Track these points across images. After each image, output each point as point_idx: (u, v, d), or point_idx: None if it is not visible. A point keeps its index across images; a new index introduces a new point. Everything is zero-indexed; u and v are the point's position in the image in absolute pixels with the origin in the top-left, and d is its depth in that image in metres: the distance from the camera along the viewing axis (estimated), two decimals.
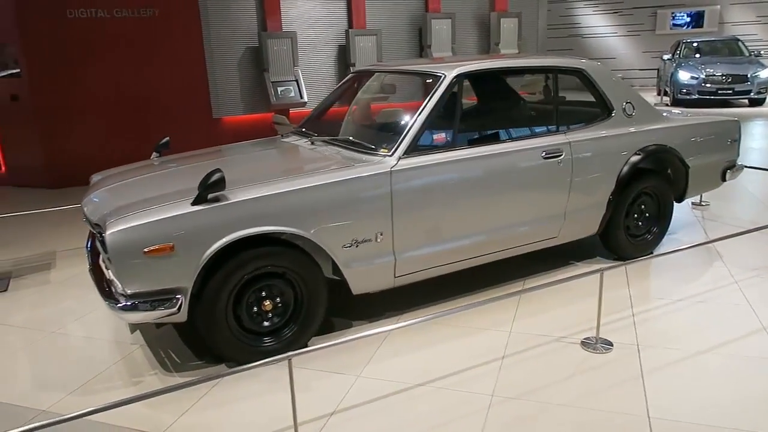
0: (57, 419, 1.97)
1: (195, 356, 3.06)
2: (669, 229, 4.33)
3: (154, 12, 7.26)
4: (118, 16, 7.08)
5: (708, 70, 12.29)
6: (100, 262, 3.13)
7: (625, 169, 3.83)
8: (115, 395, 2.72)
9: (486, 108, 4.31)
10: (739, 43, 13.42)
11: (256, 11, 7.96)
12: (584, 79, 3.87)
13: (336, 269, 3.06)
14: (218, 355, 2.91)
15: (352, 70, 4.70)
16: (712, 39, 13.93)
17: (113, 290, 2.75)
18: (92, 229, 3.04)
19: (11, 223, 5.49)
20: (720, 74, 12.17)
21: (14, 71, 6.98)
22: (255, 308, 2.90)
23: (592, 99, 3.95)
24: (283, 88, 7.95)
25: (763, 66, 12.21)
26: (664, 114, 4.26)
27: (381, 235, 3.07)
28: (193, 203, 2.67)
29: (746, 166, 5.23)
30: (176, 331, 3.31)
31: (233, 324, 2.84)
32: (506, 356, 2.96)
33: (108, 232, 2.57)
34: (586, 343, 3.03)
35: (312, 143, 3.61)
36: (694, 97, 12.27)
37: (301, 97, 8.00)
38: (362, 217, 3.00)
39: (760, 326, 3.16)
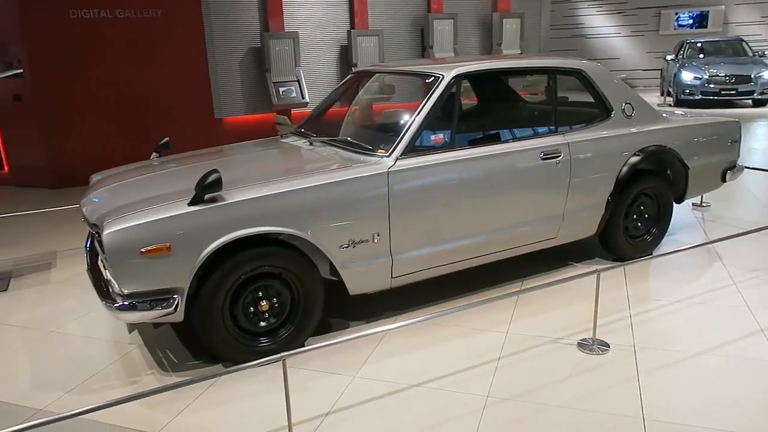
0: (51, 418, 1.98)
1: (192, 356, 3.07)
2: (669, 230, 4.33)
3: (156, 12, 7.28)
4: (120, 17, 7.11)
5: (711, 70, 12.24)
6: (99, 262, 3.14)
7: (624, 169, 3.82)
8: (112, 394, 2.73)
9: (484, 109, 4.31)
10: (743, 44, 13.37)
11: (258, 12, 7.98)
12: (583, 80, 3.86)
13: (333, 270, 3.06)
14: (215, 355, 2.92)
15: (353, 71, 4.70)
16: (716, 39, 13.89)
17: (111, 290, 2.76)
18: (91, 229, 3.06)
19: (13, 223, 5.52)
20: (723, 75, 12.12)
21: (17, 71, 7.01)
22: (252, 308, 2.91)
23: (591, 100, 3.94)
24: (284, 88, 7.96)
25: (767, 66, 12.16)
26: (664, 115, 4.24)
27: (378, 235, 3.07)
28: (190, 204, 2.68)
29: (746, 167, 5.22)
30: (174, 331, 3.33)
31: (230, 324, 2.85)
32: (503, 357, 2.96)
33: (105, 232, 2.59)
34: (582, 344, 3.03)
35: (310, 144, 3.62)
36: (697, 97, 12.23)
37: (303, 98, 8.01)
38: (359, 217, 3.01)
39: (757, 328, 3.15)
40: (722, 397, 2.57)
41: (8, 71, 7.11)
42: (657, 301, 3.52)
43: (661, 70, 14.83)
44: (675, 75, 12.74)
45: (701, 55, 13.21)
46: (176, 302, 2.68)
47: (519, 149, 3.48)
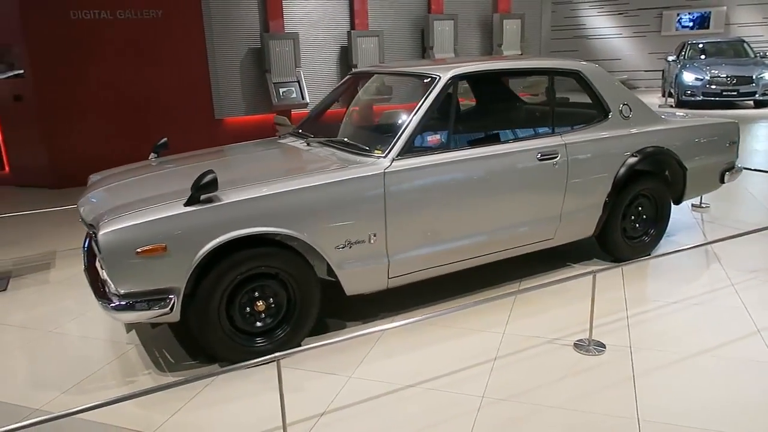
0: (45, 417, 1.99)
1: (189, 356, 3.08)
2: (668, 230, 4.32)
3: (156, 13, 7.30)
4: (120, 18, 7.13)
5: (713, 71, 12.22)
6: (97, 262, 3.15)
7: (622, 170, 3.82)
8: (109, 394, 2.74)
9: (481, 109, 4.32)
10: (745, 45, 13.34)
11: (259, 12, 8.00)
12: (581, 81, 3.86)
13: (330, 270, 3.07)
14: (211, 355, 2.93)
15: (351, 72, 4.70)
16: (718, 40, 13.86)
17: (107, 290, 2.77)
18: (88, 230, 3.06)
19: (13, 223, 5.53)
20: (725, 76, 12.09)
21: (18, 72, 7.03)
22: (248, 308, 2.91)
23: (588, 100, 3.94)
24: (284, 89, 7.97)
25: None
26: (663, 116, 4.24)
27: (374, 236, 3.07)
28: (186, 204, 2.69)
29: (745, 168, 5.21)
30: (171, 331, 3.33)
31: (226, 324, 2.85)
32: (498, 358, 2.96)
33: (101, 233, 2.59)
34: (578, 345, 3.02)
35: (308, 144, 3.62)
36: (698, 98, 12.20)
37: (303, 98, 8.03)
38: (355, 218, 3.01)
39: (754, 329, 3.15)
40: (718, 398, 2.57)
41: (9, 72, 7.13)
42: (654, 302, 3.52)
43: (663, 71, 14.82)
44: (676, 76, 12.72)
45: (703, 56, 13.19)
46: (172, 302, 2.69)
47: (516, 150, 3.48)
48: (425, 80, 3.44)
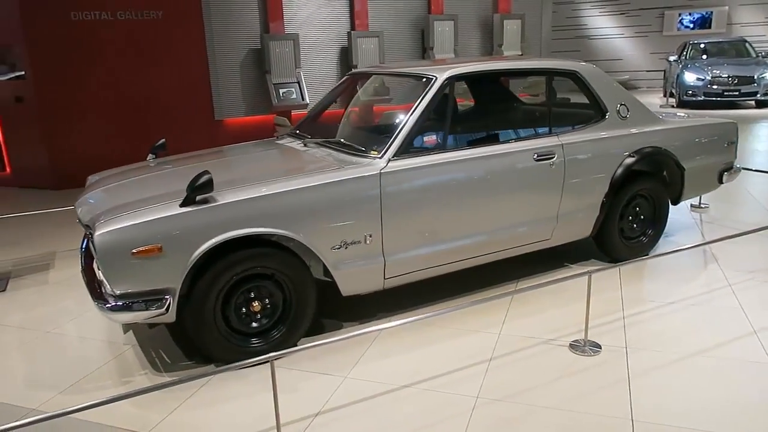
0: (39, 417, 2.00)
1: (185, 357, 3.09)
2: (667, 231, 4.32)
3: (156, 14, 7.32)
4: (121, 18, 7.14)
5: (714, 71, 12.20)
6: (94, 263, 3.16)
7: (619, 171, 3.82)
8: (105, 394, 2.73)
9: (478, 110, 4.32)
10: (746, 45, 13.32)
11: (259, 13, 8.01)
12: (578, 81, 3.86)
13: (326, 271, 3.07)
14: (207, 355, 2.93)
15: (349, 72, 4.71)
16: (719, 40, 13.84)
17: (103, 291, 2.78)
18: (85, 231, 3.08)
19: (14, 224, 5.56)
20: (726, 76, 12.08)
21: (19, 73, 7.06)
22: (244, 309, 2.92)
23: (586, 101, 3.95)
24: (284, 89, 7.98)
25: None
26: (662, 116, 4.24)
27: (370, 236, 3.08)
28: (182, 205, 2.70)
29: (744, 168, 5.20)
30: (168, 332, 3.34)
31: (222, 324, 2.86)
32: (494, 358, 2.96)
33: (97, 233, 2.61)
34: (574, 346, 3.03)
35: (305, 145, 3.63)
36: (699, 98, 12.19)
37: (303, 99, 8.03)
38: (351, 218, 3.02)
39: (751, 330, 3.14)
40: (713, 398, 2.57)
41: (10, 73, 7.15)
42: (651, 303, 3.51)
43: (664, 71, 14.80)
44: (678, 76, 12.70)
45: (704, 56, 13.17)
46: (168, 303, 2.70)
47: (512, 150, 3.48)
48: (422, 81, 3.45)
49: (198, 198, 2.71)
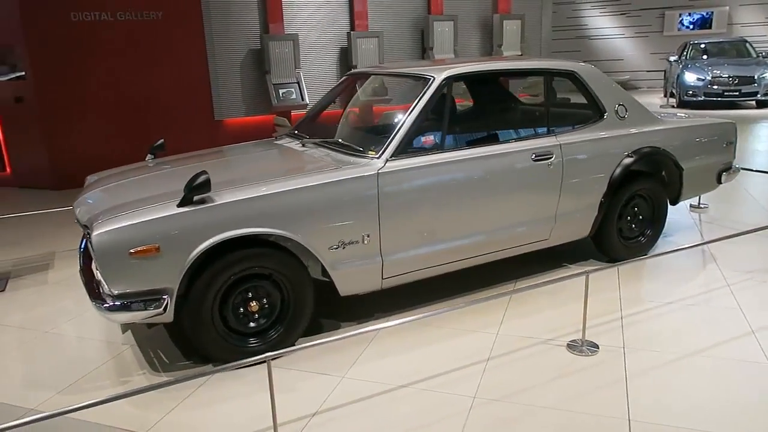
0: (37, 416, 2.00)
1: (183, 356, 3.09)
2: (666, 231, 4.32)
3: (156, 14, 7.33)
4: (121, 19, 7.16)
5: (714, 71, 12.19)
6: (93, 263, 3.17)
7: (618, 171, 3.82)
8: (103, 394, 2.75)
9: (476, 110, 4.33)
10: (747, 45, 13.31)
11: (259, 13, 8.02)
12: (576, 82, 3.86)
13: (324, 271, 3.07)
14: (205, 355, 2.94)
15: (347, 73, 4.72)
16: (719, 40, 13.83)
17: (101, 291, 2.78)
18: (83, 231, 3.08)
19: (14, 224, 5.57)
20: (726, 76, 12.07)
21: (19, 74, 7.07)
22: (241, 309, 2.93)
23: (584, 101, 3.95)
24: (284, 90, 7.99)
25: None
26: (661, 116, 4.24)
27: (368, 236, 3.08)
28: (179, 205, 2.70)
29: (743, 168, 5.20)
30: (167, 332, 3.35)
31: (219, 324, 2.87)
32: (491, 358, 2.97)
33: (94, 233, 2.61)
34: (572, 346, 3.03)
35: (303, 145, 3.63)
36: (700, 98, 12.18)
37: (303, 99, 8.04)
38: (349, 218, 3.02)
39: (749, 330, 3.14)
40: (710, 398, 2.57)
41: (11, 73, 7.17)
42: (649, 303, 3.51)
43: (665, 71, 14.79)
44: (678, 76, 12.70)
45: (704, 56, 13.16)
46: (165, 303, 2.70)
47: (510, 151, 3.48)
48: (420, 81, 3.45)
49: (195, 198, 2.72)
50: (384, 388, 2.74)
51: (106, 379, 2.93)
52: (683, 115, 4.66)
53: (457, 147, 3.42)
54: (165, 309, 2.71)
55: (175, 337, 3.28)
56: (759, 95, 11.90)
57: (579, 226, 3.86)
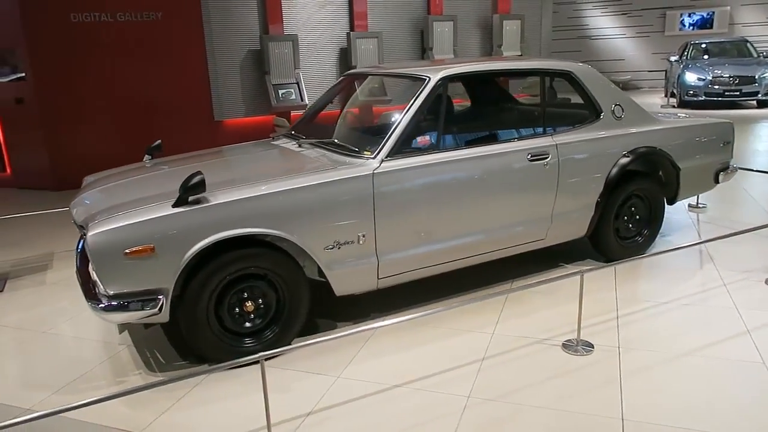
0: (29, 416, 2.01)
1: (179, 357, 3.10)
2: (663, 231, 4.32)
3: (156, 15, 7.35)
4: (120, 20, 7.18)
5: (715, 71, 12.17)
6: (90, 264, 3.18)
7: (614, 171, 3.82)
8: (98, 394, 2.74)
9: (472, 110, 4.33)
10: (748, 45, 13.29)
11: (258, 14, 8.03)
12: (572, 82, 3.87)
13: (320, 271, 3.08)
14: (200, 355, 2.95)
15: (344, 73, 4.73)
16: (720, 40, 13.81)
17: (97, 291, 2.79)
18: (79, 231, 3.09)
19: (14, 225, 5.58)
20: (727, 76, 12.04)
21: (20, 75, 7.09)
22: (237, 309, 2.93)
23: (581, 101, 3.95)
24: (284, 90, 8.00)
25: None
26: (659, 115, 4.24)
27: (363, 237, 3.09)
28: (174, 205, 2.71)
29: (741, 168, 5.20)
30: (163, 332, 3.36)
31: (215, 324, 2.87)
32: (487, 358, 2.97)
33: (90, 234, 2.62)
34: (567, 346, 3.03)
35: (299, 146, 3.64)
36: (700, 98, 12.16)
37: (302, 100, 8.05)
38: (344, 219, 3.03)
39: (744, 329, 3.14)
40: (705, 398, 2.57)
41: (11, 75, 7.19)
42: (646, 302, 3.51)
43: (666, 71, 14.77)
44: (679, 76, 12.68)
45: (705, 56, 13.14)
46: (161, 303, 2.71)
47: (506, 151, 3.49)
48: (415, 81, 3.45)
49: (190, 198, 2.72)
50: (379, 387, 2.75)
51: (102, 379, 2.94)
52: (684, 115, 4.66)
53: (452, 147, 3.42)
54: (160, 309, 2.71)
55: (171, 338, 3.29)
56: (760, 95, 11.87)
57: (575, 226, 3.86)
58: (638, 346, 3.01)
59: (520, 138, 3.64)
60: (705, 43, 13.61)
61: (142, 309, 2.69)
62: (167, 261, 2.68)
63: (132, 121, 7.34)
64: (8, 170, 7.52)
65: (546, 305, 3.51)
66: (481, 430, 2.41)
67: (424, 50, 9.29)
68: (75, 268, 3.26)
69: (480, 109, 4.31)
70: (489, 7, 9.91)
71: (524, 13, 10.09)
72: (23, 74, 7.03)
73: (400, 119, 3.24)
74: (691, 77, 12.36)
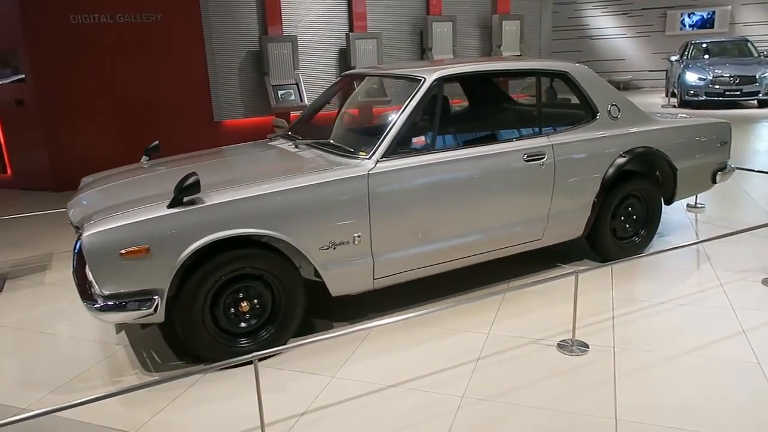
0: (23, 416, 2.02)
1: (176, 357, 3.11)
2: (661, 230, 4.31)
3: (156, 17, 7.37)
4: (120, 22, 7.19)
5: (716, 71, 12.15)
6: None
7: (610, 171, 3.82)
8: (94, 394, 2.75)
9: (468, 111, 4.33)
10: (749, 44, 13.27)
11: (257, 15, 8.04)
12: (568, 82, 3.87)
13: (317, 271, 3.09)
14: (196, 355, 2.96)
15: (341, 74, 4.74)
16: (721, 40, 13.79)
17: (92, 291, 2.80)
18: (75, 232, 3.10)
19: (14, 225, 5.60)
20: (728, 75, 12.03)
21: (20, 76, 7.11)
22: (232, 309, 2.94)
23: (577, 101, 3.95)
24: (283, 91, 8.02)
25: None
26: (658, 116, 4.24)
27: (359, 237, 3.09)
28: (169, 206, 2.72)
29: (738, 168, 5.20)
30: (160, 332, 3.37)
31: (210, 325, 2.88)
32: (482, 358, 2.97)
33: (85, 234, 2.64)
34: (562, 346, 3.03)
35: (296, 146, 3.65)
36: (701, 98, 12.14)
37: (302, 101, 8.06)
38: (340, 219, 3.03)
39: (740, 329, 3.14)
40: (697, 397, 2.57)
41: (11, 76, 7.21)
42: (642, 302, 3.52)
43: (666, 71, 14.76)
44: (679, 76, 12.67)
45: (706, 56, 13.12)
46: (156, 303, 2.72)
47: (502, 151, 3.49)
48: (411, 82, 3.46)
49: (185, 199, 2.73)
50: (373, 387, 2.75)
51: (98, 379, 2.96)
52: (684, 115, 4.66)
53: (448, 147, 3.43)
54: (156, 309, 2.72)
55: (168, 338, 3.30)
56: (760, 95, 11.86)
57: (572, 227, 3.86)
58: (633, 346, 3.02)
59: (516, 138, 3.64)
60: (706, 42, 13.59)
61: (138, 309, 2.70)
62: (162, 261, 2.69)
63: (132, 122, 7.36)
64: (9, 171, 7.54)
65: (542, 305, 3.51)
66: (474, 430, 2.42)
67: (423, 51, 9.30)
68: (72, 269, 3.27)
69: (476, 110, 4.32)
70: (488, 7, 9.92)
71: (524, 14, 10.09)
72: (23, 76, 7.06)
73: (396, 120, 3.25)
74: (691, 77, 12.34)
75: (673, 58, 13.77)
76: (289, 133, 3.99)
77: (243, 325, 2.97)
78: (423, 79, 3.38)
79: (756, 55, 12.88)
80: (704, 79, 12.16)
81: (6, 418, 2.54)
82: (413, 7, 9.17)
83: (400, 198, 3.18)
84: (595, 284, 3.75)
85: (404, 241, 3.24)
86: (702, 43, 13.60)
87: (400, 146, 3.24)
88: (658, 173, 4.18)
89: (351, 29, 8.68)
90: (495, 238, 3.56)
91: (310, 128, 4.07)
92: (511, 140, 3.61)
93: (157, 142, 3.93)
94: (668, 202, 4.27)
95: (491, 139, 3.62)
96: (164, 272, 2.71)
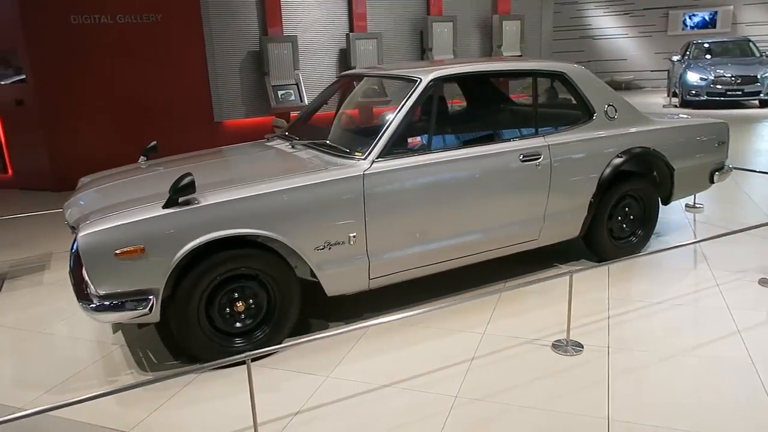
0: (16, 415, 2.03)
1: (172, 356, 3.12)
2: (659, 230, 4.31)
3: (156, 17, 7.38)
4: (120, 22, 7.21)
5: (717, 71, 12.14)
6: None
7: (607, 171, 3.82)
8: (89, 393, 2.77)
9: (464, 111, 4.34)
10: (750, 44, 13.24)
11: (258, 15, 8.05)
12: (565, 83, 3.87)
13: (312, 271, 3.09)
14: (191, 355, 2.97)
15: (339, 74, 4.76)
16: (723, 40, 13.77)
17: (88, 291, 2.81)
18: (72, 232, 3.12)
19: (13, 225, 5.62)
20: (729, 75, 12.01)
21: (20, 77, 7.14)
22: (228, 309, 2.95)
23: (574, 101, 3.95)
24: (283, 91, 8.03)
25: None
26: (652, 117, 4.24)
27: (354, 237, 3.10)
28: (164, 206, 2.73)
29: (736, 168, 5.19)
30: (156, 332, 3.38)
31: (206, 324, 2.89)
32: (476, 357, 2.98)
33: (80, 234, 2.65)
34: (556, 346, 3.04)
35: (293, 147, 3.66)
36: (702, 98, 12.12)
37: (302, 101, 8.07)
38: (335, 219, 3.04)
39: (735, 330, 3.14)
40: (692, 398, 2.57)
41: (12, 77, 7.24)
42: (637, 302, 3.52)
43: (668, 71, 14.73)
44: (680, 76, 12.65)
45: (707, 56, 13.10)
46: (151, 303, 2.73)
47: (498, 151, 3.50)
48: (407, 82, 3.47)
49: (180, 199, 2.74)
50: (368, 387, 2.76)
51: (94, 378, 2.97)
52: (684, 115, 4.65)
53: (444, 148, 3.43)
54: (151, 309, 2.73)
55: (164, 337, 3.31)
56: (762, 94, 11.84)
57: (569, 227, 3.86)
58: (628, 347, 3.02)
59: (513, 139, 3.64)
60: (707, 42, 13.57)
61: (133, 309, 2.71)
62: (157, 261, 2.70)
63: (132, 122, 7.37)
64: (9, 171, 7.57)
65: (538, 305, 3.52)
66: (468, 430, 2.42)
67: (423, 51, 9.30)
68: (68, 269, 3.29)
69: (473, 110, 4.32)
70: (489, 7, 9.92)
71: (524, 14, 10.09)
72: (23, 76, 7.08)
73: (391, 120, 3.25)
74: (693, 77, 12.33)
75: (675, 58, 13.75)
76: (287, 133, 4.00)
77: (238, 324, 2.98)
78: (419, 80, 3.39)
79: (758, 55, 12.86)
80: (706, 79, 12.14)
81: (1, 417, 2.56)
82: (413, 7, 9.18)
83: (396, 198, 3.19)
84: (592, 284, 3.75)
85: (400, 241, 3.25)
86: (704, 43, 13.59)
87: (396, 147, 3.24)
88: (655, 173, 4.18)
89: (351, 29, 8.69)
90: (491, 238, 3.56)
91: (308, 128, 4.08)
92: (507, 140, 3.61)
93: (155, 142, 3.94)
94: (665, 202, 4.27)
95: (487, 139, 3.62)
96: (159, 272, 2.72)
